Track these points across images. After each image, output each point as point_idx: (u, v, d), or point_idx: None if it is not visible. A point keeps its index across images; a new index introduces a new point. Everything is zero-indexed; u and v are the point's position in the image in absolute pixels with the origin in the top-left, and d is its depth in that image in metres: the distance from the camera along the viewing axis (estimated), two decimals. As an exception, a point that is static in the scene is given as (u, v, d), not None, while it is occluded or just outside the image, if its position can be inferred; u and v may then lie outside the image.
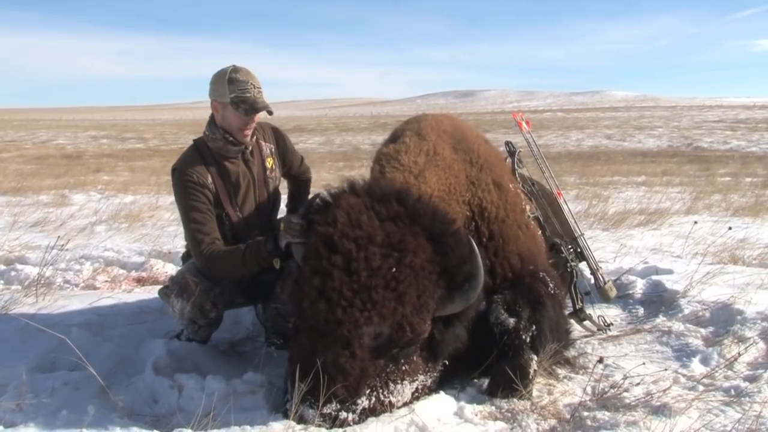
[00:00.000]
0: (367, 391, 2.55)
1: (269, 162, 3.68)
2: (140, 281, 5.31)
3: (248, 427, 2.44)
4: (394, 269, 2.54)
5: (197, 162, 3.42)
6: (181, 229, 3.52)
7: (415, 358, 2.68)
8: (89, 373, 2.75)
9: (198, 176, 3.37)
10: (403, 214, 2.69)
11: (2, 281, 5.18)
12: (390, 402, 2.61)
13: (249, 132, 3.49)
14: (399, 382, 2.64)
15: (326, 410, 2.44)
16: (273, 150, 3.73)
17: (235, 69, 3.37)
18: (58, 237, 5.54)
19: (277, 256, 3.07)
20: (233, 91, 3.32)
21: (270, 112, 3.51)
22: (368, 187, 2.83)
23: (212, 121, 3.50)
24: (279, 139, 3.78)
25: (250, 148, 3.57)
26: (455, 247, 2.69)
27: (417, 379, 2.71)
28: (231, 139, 3.45)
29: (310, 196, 3.34)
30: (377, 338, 2.55)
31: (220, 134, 3.45)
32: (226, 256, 3.22)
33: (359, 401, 2.52)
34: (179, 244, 5.83)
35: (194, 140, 3.57)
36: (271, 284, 3.49)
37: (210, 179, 3.41)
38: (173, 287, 3.35)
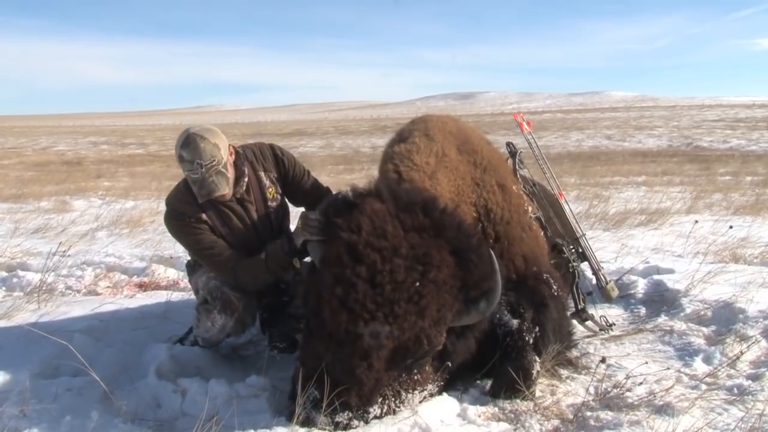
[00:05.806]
0: (379, 400, 2.55)
1: (270, 192, 3.48)
2: (142, 286, 5.31)
3: (252, 431, 2.44)
4: (417, 283, 2.50)
5: (190, 201, 3.28)
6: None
7: (427, 367, 2.68)
8: (92, 379, 2.75)
9: (191, 215, 3.26)
10: (429, 225, 2.64)
11: (4, 288, 5.18)
12: (399, 410, 2.61)
13: (227, 195, 3.26)
14: (410, 391, 2.64)
15: (338, 419, 2.44)
16: (274, 178, 3.51)
17: (185, 143, 3.14)
18: (60, 243, 5.53)
19: (295, 255, 3.03)
20: (185, 169, 3.17)
21: (223, 196, 3.21)
22: (394, 193, 2.75)
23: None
24: (279, 162, 3.54)
25: (245, 187, 3.36)
26: (478, 264, 2.66)
27: (426, 389, 2.71)
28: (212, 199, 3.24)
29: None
30: (395, 350, 2.52)
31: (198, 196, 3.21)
32: (250, 267, 3.18)
33: (371, 410, 2.52)
34: (180, 249, 5.83)
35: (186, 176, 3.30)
36: (272, 287, 3.48)
37: (204, 216, 3.28)
38: (215, 303, 3.27)
